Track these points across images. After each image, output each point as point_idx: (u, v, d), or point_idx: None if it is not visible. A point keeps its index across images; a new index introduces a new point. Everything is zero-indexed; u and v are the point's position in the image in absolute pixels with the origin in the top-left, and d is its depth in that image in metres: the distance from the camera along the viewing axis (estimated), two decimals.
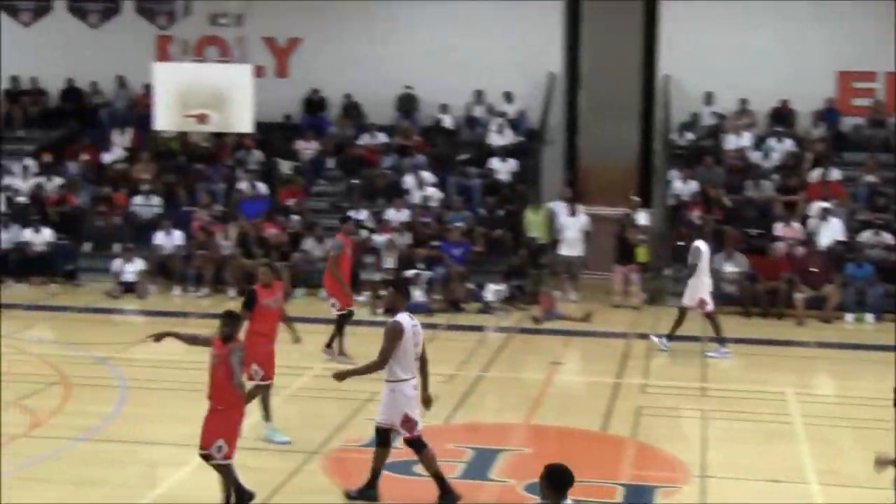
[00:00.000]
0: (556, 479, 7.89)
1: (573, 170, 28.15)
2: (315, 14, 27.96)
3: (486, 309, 22.47)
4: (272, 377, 14.17)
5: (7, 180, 26.44)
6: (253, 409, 14.01)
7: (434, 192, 25.50)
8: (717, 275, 22.81)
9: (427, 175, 25.88)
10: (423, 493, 12.68)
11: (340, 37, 27.96)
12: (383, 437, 12.27)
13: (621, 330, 20.19)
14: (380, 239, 23.85)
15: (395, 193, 25.40)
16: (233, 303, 22.92)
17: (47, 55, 28.85)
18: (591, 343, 20.40)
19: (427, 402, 12.22)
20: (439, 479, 12.18)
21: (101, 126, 28.40)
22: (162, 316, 21.58)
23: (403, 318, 12.10)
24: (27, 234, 24.62)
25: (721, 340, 19.37)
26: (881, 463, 9.38)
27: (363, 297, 22.93)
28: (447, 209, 24.98)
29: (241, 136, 25.84)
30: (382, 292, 22.54)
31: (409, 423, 12.11)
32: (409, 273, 22.88)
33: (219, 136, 26.58)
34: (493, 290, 22.69)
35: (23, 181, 26.43)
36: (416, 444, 12.20)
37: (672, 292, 23.55)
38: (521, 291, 23.13)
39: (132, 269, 23.67)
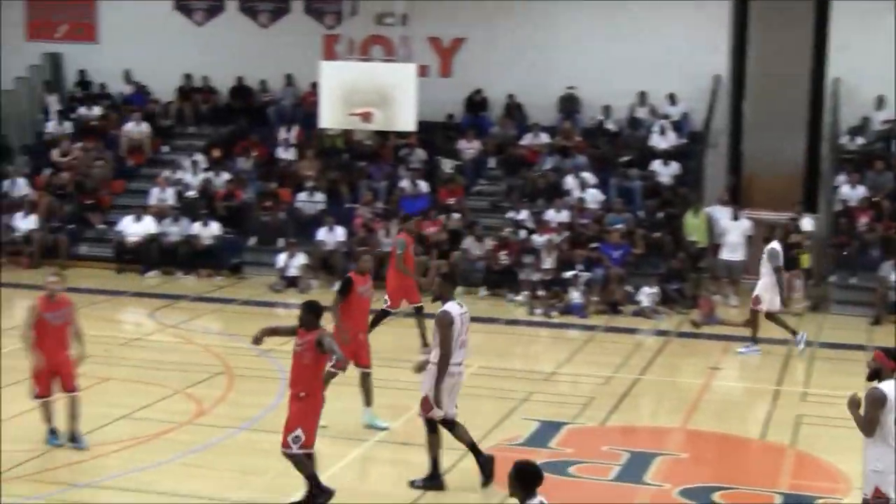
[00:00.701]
0: (525, 477, 7.98)
1: (736, 173, 27.75)
2: (479, 14, 28.09)
3: (643, 312, 22.30)
4: (368, 364, 14.55)
5: (178, 175, 27.17)
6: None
7: (595, 194, 25.41)
8: (884, 283, 22.30)
9: (588, 176, 25.80)
10: (580, 493, 12.69)
11: (504, 37, 28.03)
12: (448, 425, 12.60)
13: (782, 336, 19.84)
14: (539, 239, 23.86)
15: (556, 194, 25.39)
16: None
17: (218, 54, 29.56)
18: None
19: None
20: (434, 462, 12.53)
21: (268, 123, 28.99)
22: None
23: (452, 306, 12.38)
24: (196, 228, 25.28)
25: (754, 339, 19.54)
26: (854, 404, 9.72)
27: (521, 297, 22.97)
28: (607, 211, 24.87)
29: (404, 134, 26.11)
30: (541, 293, 22.59)
31: (426, 405, 12.44)
32: (568, 274, 22.84)
33: (382, 134, 26.89)
34: (646, 294, 22.53)
35: (193, 176, 27.14)
36: (429, 424, 12.51)
37: (836, 299, 23.14)
38: (680, 295, 22.91)
39: (295, 263, 24.11)
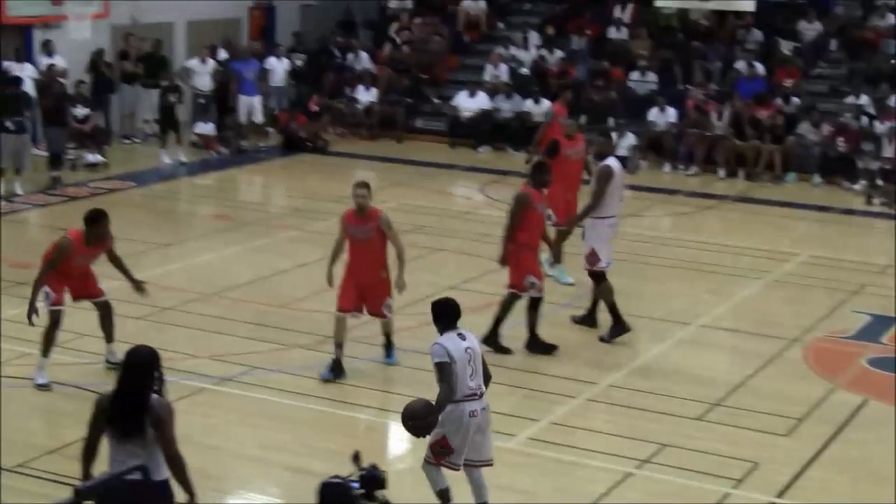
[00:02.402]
0: (441, 312, 8.72)
1: None
2: None
3: None
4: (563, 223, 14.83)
5: (512, 51, 27.39)
6: None
7: None
8: None
9: None
10: None
11: None
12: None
13: None
14: (881, 126, 22.82)
15: None
16: (721, 183, 22.90)
17: None
18: None
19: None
20: (613, 310, 13.28)
21: (603, 1, 28.73)
22: (650, 192, 21.82)
23: (612, 161, 13.43)
24: (528, 105, 25.46)
25: None
26: None
27: (858, 186, 22.14)
28: None
29: (742, 14, 25.34)
30: (880, 182, 21.73)
31: (592, 257, 13.32)
32: None
33: (719, 13, 26.23)
34: None
35: (526, 53, 27.31)
36: (595, 276, 13.39)
37: None
38: None
39: (625, 143, 23.96)
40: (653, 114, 24.38)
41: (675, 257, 17.16)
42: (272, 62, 25.67)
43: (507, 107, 25.64)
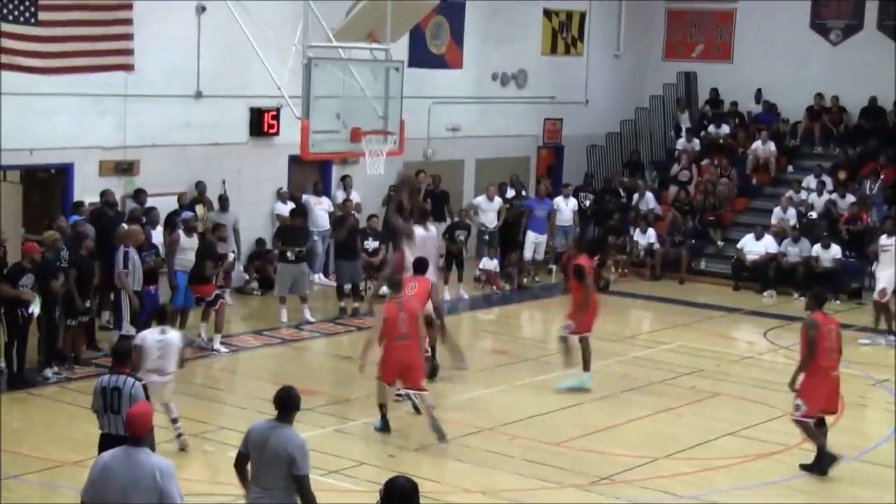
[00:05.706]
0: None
1: None
2: None
3: None
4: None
5: (801, 195, 26.94)
6: None
7: None
8: None
9: None
10: None
11: None
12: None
13: None
14: None
15: None
16: None
17: (852, 73, 28.93)
18: None
19: None
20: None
21: None
22: None
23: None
24: (816, 249, 24.90)
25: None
26: None
27: None
28: None
29: None
30: None
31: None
32: None
33: None
34: None
35: (817, 197, 26.79)
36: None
37: None
38: None
39: None
40: None
41: None
42: (559, 201, 25.94)
43: (795, 251, 25.12)
